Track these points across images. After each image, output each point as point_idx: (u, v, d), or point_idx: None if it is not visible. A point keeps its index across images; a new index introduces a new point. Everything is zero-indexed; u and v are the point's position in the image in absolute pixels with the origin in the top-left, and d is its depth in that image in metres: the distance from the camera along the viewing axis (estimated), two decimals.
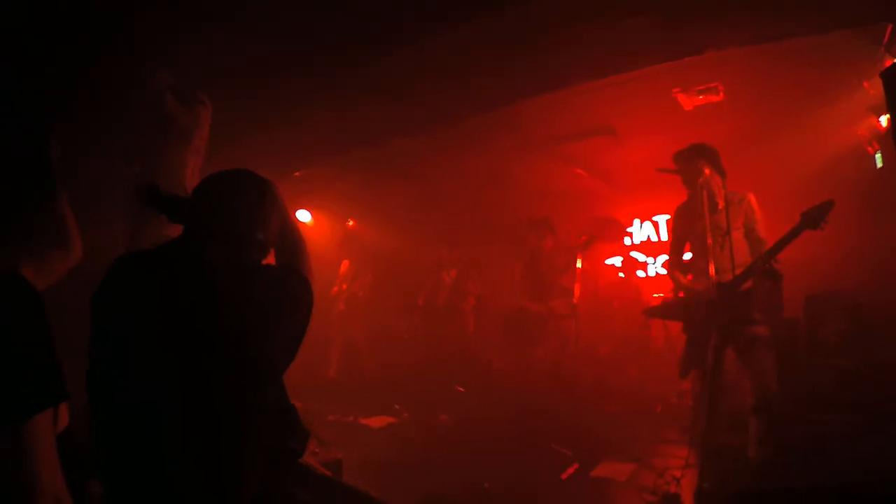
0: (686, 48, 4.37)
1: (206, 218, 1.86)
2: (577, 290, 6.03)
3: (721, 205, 4.00)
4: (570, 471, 4.41)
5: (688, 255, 4.39)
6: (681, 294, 4.22)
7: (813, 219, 3.34)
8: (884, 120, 5.08)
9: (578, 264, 6.12)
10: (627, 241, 8.65)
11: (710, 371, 3.54)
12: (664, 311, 4.42)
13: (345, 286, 7.94)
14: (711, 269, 3.62)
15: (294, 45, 4.28)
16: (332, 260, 8.29)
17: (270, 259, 2.05)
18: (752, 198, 4.04)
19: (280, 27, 4.07)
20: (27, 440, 1.30)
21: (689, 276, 4.26)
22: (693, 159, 4.01)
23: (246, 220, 1.88)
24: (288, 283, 1.89)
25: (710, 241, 3.67)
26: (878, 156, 5.43)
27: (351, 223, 9.41)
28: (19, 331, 1.35)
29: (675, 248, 4.36)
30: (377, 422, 6.00)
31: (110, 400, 1.68)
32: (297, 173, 7.42)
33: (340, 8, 3.93)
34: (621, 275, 7.58)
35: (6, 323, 1.33)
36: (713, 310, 3.62)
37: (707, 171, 3.91)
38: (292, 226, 2.10)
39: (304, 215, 8.70)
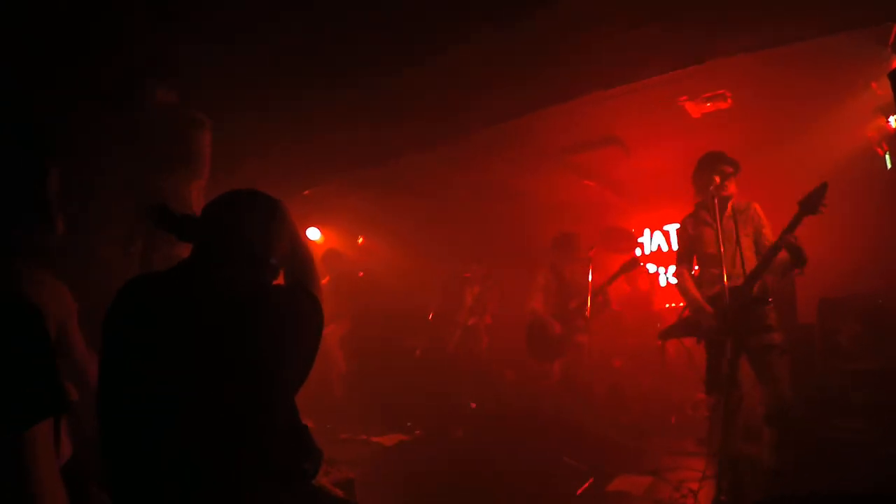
0: (692, 56, 4.34)
1: (217, 239, 1.87)
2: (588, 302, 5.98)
3: (728, 212, 3.99)
4: (586, 485, 4.35)
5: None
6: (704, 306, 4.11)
7: (811, 204, 3.40)
8: (892, 120, 5.03)
9: (589, 276, 6.07)
10: (638, 251, 8.59)
11: (726, 381, 3.50)
12: (678, 330, 4.35)
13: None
14: (724, 277, 3.59)
15: (303, 62, 4.29)
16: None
17: (280, 278, 2.06)
18: (757, 206, 4.07)
19: (288, 44, 4.09)
20: (28, 451, 1.30)
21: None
22: (706, 169, 3.99)
23: (257, 242, 1.90)
24: (299, 303, 1.88)
25: (722, 248, 3.65)
26: (887, 156, 5.37)
27: (361, 240, 9.40)
28: (19, 343, 1.36)
29: (683, 259, 4.31)
30: (389, 440, 5.96)
31: (122, 420, 1.67)
32: (306, 192, 7.43)
33: (350, 26, 3.94)
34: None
35: (7, 335, 1.34)
36: (728, 318, 3.58)
37: (717, 179, 3.89)
38: (302, 245, 2.10)
39: (313, 233, 8.71)
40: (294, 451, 1.79)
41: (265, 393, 1.68)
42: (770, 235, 3.93)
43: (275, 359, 1.71)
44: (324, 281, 7.58)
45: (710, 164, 4.00)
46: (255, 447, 1.66)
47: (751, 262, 3.83)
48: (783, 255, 3.56)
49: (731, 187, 4.01)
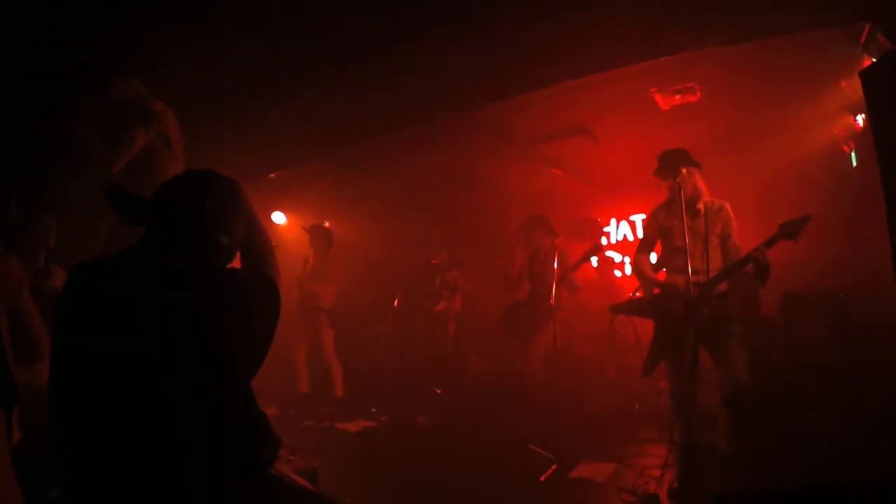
0: (664, 47, 4.36)
1: (169, 221, 1.80)
2: (554, 291, 6.02)
3: (701, 210, 4.05)
4: (549, 472, 4.38)
5: (654, 256, 4.42)
6: (655, 290, 4.21)
7: (791, 230, 3.52)
8: (860, 119, 5.12)
9: (555, 264, 6.11)
10: (604, 240, 8.66)
11: (688, 369, 3.56)
12: (631, 308, 4.41)
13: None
14: (689, 269, 3.64)
15: (272, 44, 4.21)
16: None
17: (237, 262, 2.00)
18: (728, 207, 4.13)
19: (257, 26, 4.01)
20: None
21: (662, 274, 4.28)
22: (672, 160, 4.03)
23: (211, 224, 1.82)
24: (255, 289, 1.83)
25: (688, 241, 3.70)
26: (853, 154, 5.48)
27: (327, 224, 9.29)
28: None
29: (645, 246, 4.37)
30: (354, 426, 5.92)
31: (75, 410, 1.61)
32: (272, 174, 7.31)
33: (319, 8, 3.87)
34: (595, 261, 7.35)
35: None
36: (691, 307, 3.64)
37: (684, 170, 3.94)
38: (260, 228, 2.04)
39: (279, 217, 8.58)
40: (251, 440, 1.75)
41: (219, 379, 1.63)
42: (737, 238, 4.03)
43: (229, 344, 1.66)
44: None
45: (676, 158, 4.05)
46: (211, 436, 1.61)
47: (715, 261, 3.94)
48: (748, 267, 3.65)
49: (701, 185, 4.08)
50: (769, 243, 3.55)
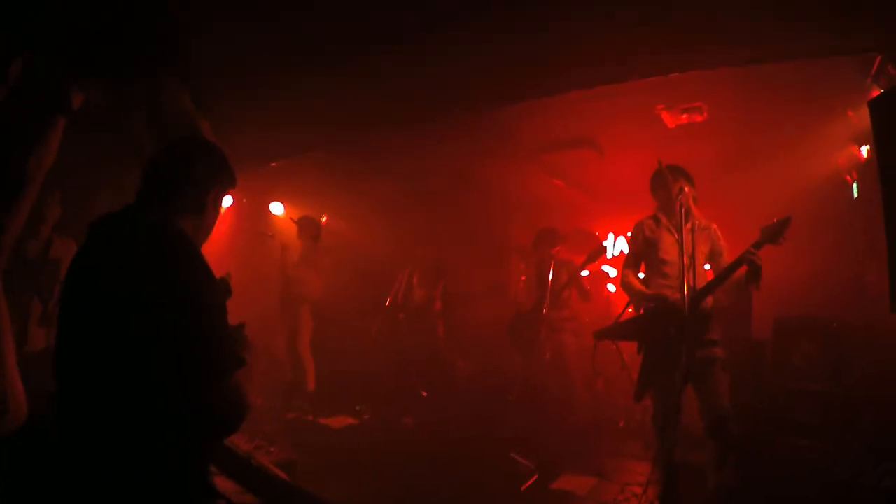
0: (675, 63, 4.32)
1: (157, 177, 1.86)
2: (547, 301, 6.01)
3: (689, 226, 4.01)
4: (530, 482, 4.36)
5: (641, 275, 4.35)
6: (650, 305, 4.12)
7: (773, 234, 3.45)
8: (864, 150, 5.11)
9: (550, 275, 6.09)
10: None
11: (678, 389, 3.51)
12: (617, 332, 4.35)
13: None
14: (685, 285, 3.59)
15: (281, 33, 4.18)
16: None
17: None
18: (715, 226, 4.09)
19: (266, 16, 3.98)
20: None
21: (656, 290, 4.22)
22: (673, 176, 4.00)
23: (197, 183, 1.89)
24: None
25: (676, 256, 3.65)
26: (855, 185, 5.47)
27: (325, 219, 9.24)
28: None
29: (631, 260, 4.29)
30: (337, 422, 5.90)
31: (65, 369, 1.68)
32: (273, 163, 7.26)
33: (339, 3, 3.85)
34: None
35: None
36: (685, 325, 3.59)
37: (686, 188, 3.91)
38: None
39: (277, 207, 8.54)
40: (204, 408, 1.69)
41: (190, 344, 1.60)
42: (728, 258, 3.94)
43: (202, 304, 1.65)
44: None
45: (678, 172, 4.02)
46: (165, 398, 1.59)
47: (701, 278, 3.87)
48: (740, 272, 3.60)
49: (693, 205, 4.04)
50: (757, 246, 3.52)
